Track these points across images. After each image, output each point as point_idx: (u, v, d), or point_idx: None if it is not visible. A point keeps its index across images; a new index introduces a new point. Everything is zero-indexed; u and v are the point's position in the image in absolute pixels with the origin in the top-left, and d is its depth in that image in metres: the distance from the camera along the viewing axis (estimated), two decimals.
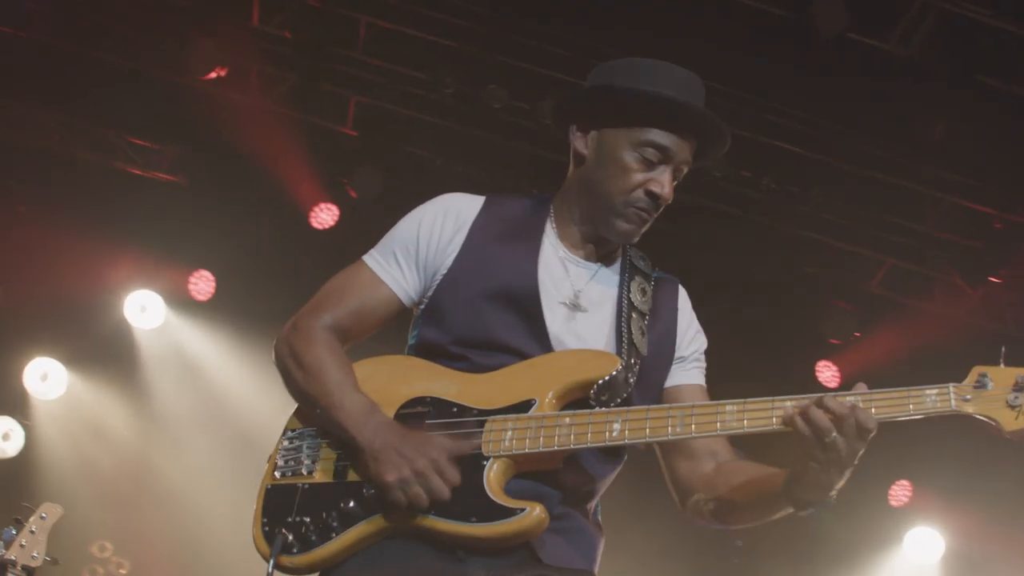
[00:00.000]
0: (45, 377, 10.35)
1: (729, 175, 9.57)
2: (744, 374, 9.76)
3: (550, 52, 9.08)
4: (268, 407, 9.93)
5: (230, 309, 10.39)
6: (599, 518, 3.57)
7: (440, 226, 3.57)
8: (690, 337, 3.68)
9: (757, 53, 8.65)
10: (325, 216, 10.27)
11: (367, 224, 10.05)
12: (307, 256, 10.00)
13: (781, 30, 8.35)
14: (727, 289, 10.26)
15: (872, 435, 3.02)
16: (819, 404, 3.04)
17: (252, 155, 9.79)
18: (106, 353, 10.49)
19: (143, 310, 10.47)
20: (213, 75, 9.26)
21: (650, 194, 3.46)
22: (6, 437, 10.18)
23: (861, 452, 3.05)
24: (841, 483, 3.12)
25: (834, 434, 3.01)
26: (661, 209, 3.53)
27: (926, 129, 9.01)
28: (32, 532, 5.78)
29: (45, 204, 10.20)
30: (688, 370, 3.65)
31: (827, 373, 11.00)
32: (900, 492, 11.45)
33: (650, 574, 10.69)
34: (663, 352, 3.58)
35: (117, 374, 10.49)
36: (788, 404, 3.10)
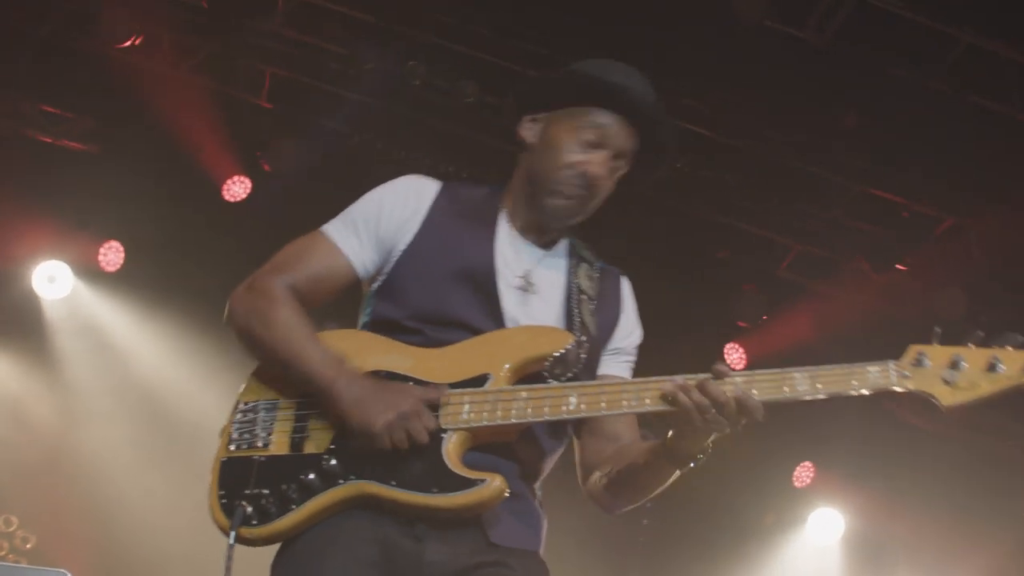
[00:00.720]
0: None
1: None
2: (653, 355, 9.86)
3: (468, 30, 9.08)
4: (177, 378, 9.87)
5: (140, 280, 10.26)
6: (540, 498, 3.64)
7: (402, 204, 3.63)
8: (629, 329, 3.80)
9: (674, 37, 8.71)
10: (237, 189, 10.17)
11: (279, 198, 10.05)
12: (219, 229, 9.94)
13: (700, 14, 8.41)
14: (638, 271, 10.24)
15: (758, 416, 3.24)
16: (703, 388, 3.23)
17: (165, 125, 9.68)
18: (14, 324, 10.31)
19: (51, 280, 10.29)
20: (127, 43, 9.13)
21: (582, 173, 3.54)
22: None
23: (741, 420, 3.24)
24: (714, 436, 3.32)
25: (712, 411, 3.20)
26: (597, 195, 3.62)
27: (838, 117, 9.14)
28: None
29: None
30: (621, 363, 3.74)
31: (735, 355, 11.15)
32: (803, 473, 11.66)
33: (555, 557, 10.76)
34: (606, 337, 3.68)
35: (25, 345, 10.33)
36: (671, 381, 3.27)
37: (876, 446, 11.15)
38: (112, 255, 10.37)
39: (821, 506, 11.76)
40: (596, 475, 3.60)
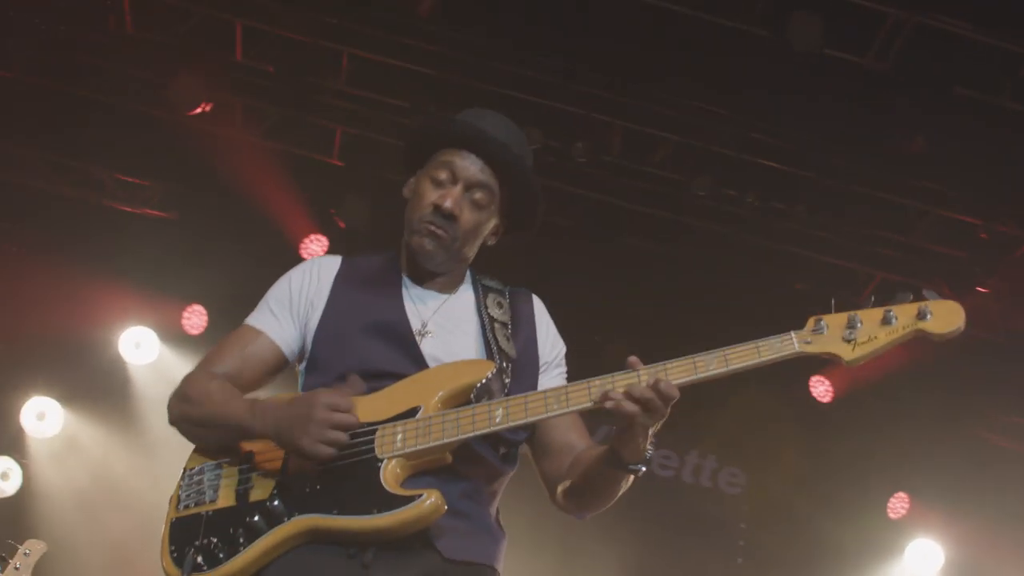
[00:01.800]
0: (42, 416, 10.41)
1: (714, 194, 9.62)
2: (738, 391, 9.83)
3: (532, 79, 9.14)
4: None
5: None
6: (499, 520, 3.73)
7: (308, 281, 3.82)
8: (550, 343, 3.91)
9: (737, 72, 8.73)
10: (315, 247, 10.33)
11: (356, 253, 10.12)
12: None
13: (759, 49, 8.41)
14: (717, 307, 10.31)
15: (673, 399, 3.29)
16: (627, 394, 3.30)
17: (241, 188, 9.86)
18: (101, 389, 10.55)
19: (137, 346, 10.54)
20: (199, 110, 9.34)
21: (436, 208, 3.68)
22: (4, 476, 10.23)
23: (665, 413, 3.33)
24: (648, 441, 3.43)
25: (638, 409, 3.29)
26: (455, 230, 3.72)
27: (906, 142, 9.05)
28: (16, 569, 5.84)
29: (36, 243, 10.31)
30: (552, 377, 3.84)
31: (820, 388, 11.06)
32: (898, 505, 11.47)
33: None
34: (530, 356, 3.80)
35: (113, 410, 10.53)
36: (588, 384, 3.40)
37: (972, 474, 10.96)
38: (195, 318, 10.56)
39: (918, 537, 11.55)
40: (559, 489, 3.70)
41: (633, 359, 3.36)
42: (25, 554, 5.91)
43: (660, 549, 10.90)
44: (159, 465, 10.44)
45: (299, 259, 10.13)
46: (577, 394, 3.36)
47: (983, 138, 8.76)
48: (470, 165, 3.70)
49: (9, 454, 10.34)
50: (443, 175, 3.69)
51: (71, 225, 10.29)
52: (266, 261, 10.04)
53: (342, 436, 3.33)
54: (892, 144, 9.13)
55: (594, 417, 3.61)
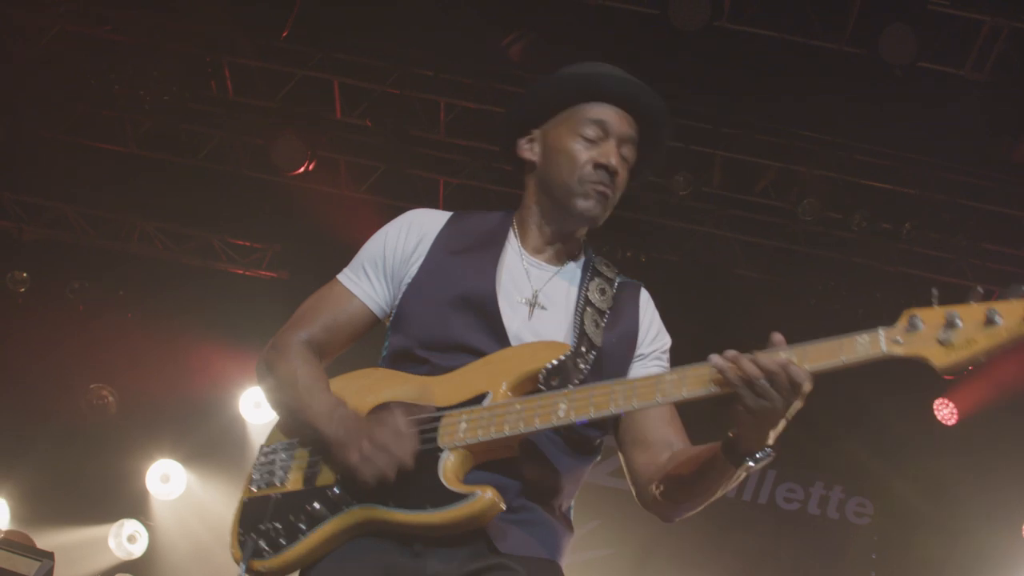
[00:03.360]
0: (166, 478, 10.63)
1: (820, 219, 9.53)
2: (862, 418, 9.70)
3: None
4: None
5: None
6: (570, 516, 3.60)
7: (404, 238, 3.70)
8: (652, 336, 3.71)
9: (834, 93, 8.68)
10: None
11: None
12: None
13: (854, 68, 8.36)
14: (829, 333, 10.18)
15: (806, 390, 2.99)
16: (751, 358, 3.01)
17: (349, 244, 9.91)
18: (223, 450, 10.73)
19: (257, 406, 10.69)
20: (302, 169, 9.51)
21: (599, 166, 3.53)
22: (132, 539, 10.46)
23: (794, 405, 3.01)
24: (775, 432, 3.10)
25: (763, 381, 2.98)
26: (618, 186, 3.58)
27: (1011, 150, 8.89)
28: None
29: (157, 310, 10.56)
30: (648, 367, 3.66)
31: (945, 411, 10.86)
32: None
33: None
34: (621, 348, 3.62)
35: (234, 470, 10.68)
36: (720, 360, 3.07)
37: None
38: None
39: None
40: (652, 486, 3.50)
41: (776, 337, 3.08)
42: None
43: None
44: None
45: None
46: (645, 389, 3.14)
47: None
48: (619, 118, 3.58)
49: (136, 517, 10.56)
50: (592, 132, 3.54)
51: (187, 291, 10.53)
52: None
53: (391, 466, 3.21)
54: (998, 155, 8.97)
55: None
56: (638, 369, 3.62)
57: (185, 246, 10.67)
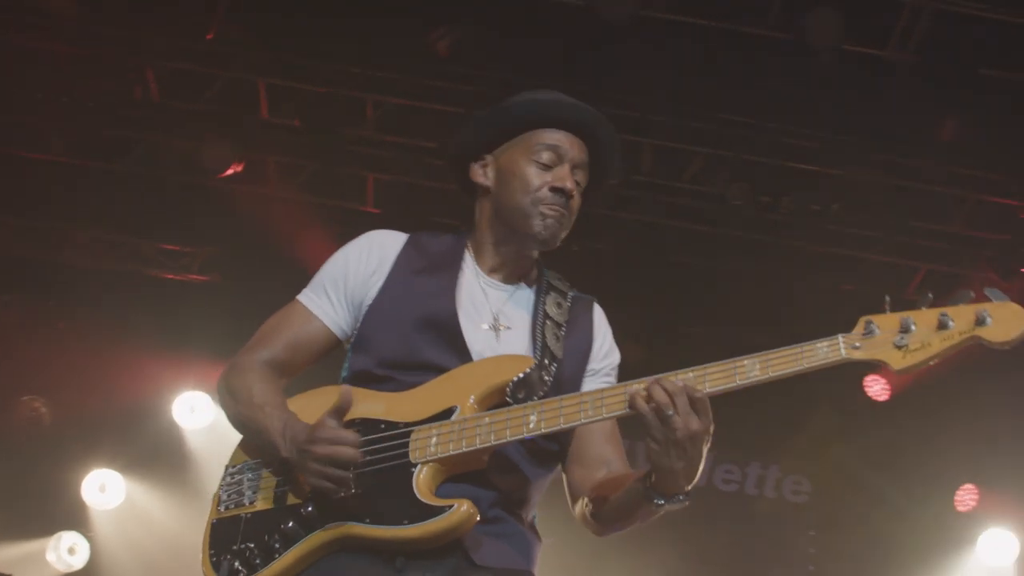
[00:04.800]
0: (104, 488, 10.52)
1: (750, 202, 9.60)
2: (792, 397, 9.78)
3: None
4: None
5: None
6: (535, 525, 3.68)
7: (365, 260, 3.78)
8: (604, 351, 3.83)
9: (760, 78, 8.74)
10: None
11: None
12: None
13: (778, 52, 8.42)
14: (767, 315, 10.29)
15: (706, 406, 3.14)
16: (657, 383, 3.18)
17: (280, 244, 9.93)
18: (160, 457, 10.64)
19: (192, 411, 10.61)
20: (230, 172, 9.42)
21: (554, 189, 3.64)
22: (72, 551, 10.34)
23: (700, 433, 3.14)
24: (689, 477, 3.21)
25: (670, 411, 3.12)
26: (574, 209, 3.70)
27: (937, 130, 9.02)
28: None
29: (85, 319, 10.43)
30: (599, 381, 3.76)
31: (876, 387, 10.99)
32: (966, 496, 11.34)
33: None
34: (577, 361, 3.72)
35: (172, 476, 10.61)
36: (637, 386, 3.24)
37: None
38: None
39: (990, 527, 11.41)
40: (583, 501, 3.61)
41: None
42: None
43: (731, 565, 10.85)
44: None
45: None
46: (613, 399, 3.26)
47: (1013, 117, 8.71)
48: (572, 144, 3.69)
49: (75, 528, 10.43)
50: (547, 156, 3.66)
51: (119, 298, 10.43)
52: None
53: (345, 475, 3.26)
54: (923, 134, 9.09)
55: (630, 432, 3.56)
56: (589, 383, 3.71)
57: (115, 253, 10.53)
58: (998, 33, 8.23)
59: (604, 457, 3.65)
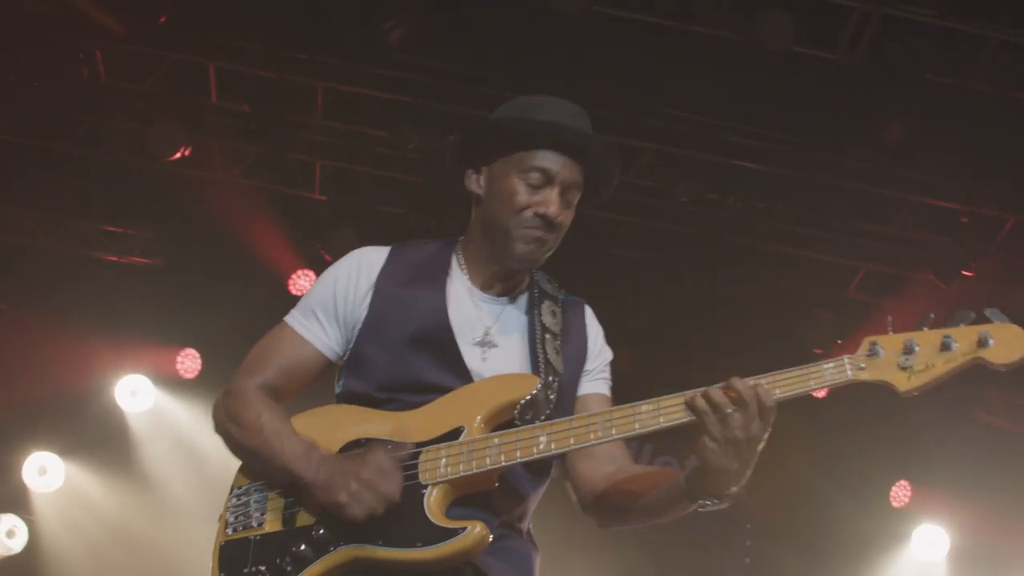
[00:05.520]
0: (43, 471, 10.44)
1: (696, 199, 9.68)
2: None
3: (504, 97, 9.15)
4: None
5: (219, 384, 10.38)
6: (532, 535, 3.69)
7: (355, 281, 3.70)
8: (597, 351, 3.83)
9: (710, 76, 8.81)
10: (303, 282, 10.35)
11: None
12: None
13: (730, 52, 8.49)
14: (707, 312, 10.38)
15: (772, 414, 3.15)
16: (721, 386, 3.17)
17: (225, 229, 9.88)
18: (100, 440, 10.56)
19: (133, 394, 10.56)
20: (177, 155, 9.35)
21: (538, 215, 3.58)
22: (11, 534, 10.25)
23: (759, 437, 3.17)
24: (739, 478, 3.22)
25: (730, 410, 3.13)
26: (557, 233, 3.65)
27: (883, 132, 9.12)
28: None
29: (27, 300, 10.33)
30: (593, 380, 3.78)
31: None
32: (900, 493, 11.52)
33: None
34: (575, 367, 3.73)
35: (113, 459, 10.54)
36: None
37: (974, 457, 11.01)
38: (189, 362, 10.58)
39: (923, 523, 11.60)
40: (593, 493, 3.63)
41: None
42: None
43: (665, 556, 10.91)
44: (163, 509, 10.48)
45: (288, 296, 10.21)
46: (623, 421, 3.27)
47: (958, 122, 8.84)
48: (564, 166, 3.60)
49: (14, 511, 10.34)
50: (536, 178, 3.58)
51: (60, 280, 10.33)
52: (255, 300, 10.06)
53: (379, 504, 3.25)
54: (869, 136, 9.20)
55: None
56: (585, 384, 3.73)
57: (57, 234, 10.44)
58: (945, 39, 8.35)
59: (611, 453, 3.66)
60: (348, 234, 10.08)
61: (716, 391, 3.15)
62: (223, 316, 10.05)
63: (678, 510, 3.41)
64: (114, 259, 10.47)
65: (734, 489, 3.26)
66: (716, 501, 3.29)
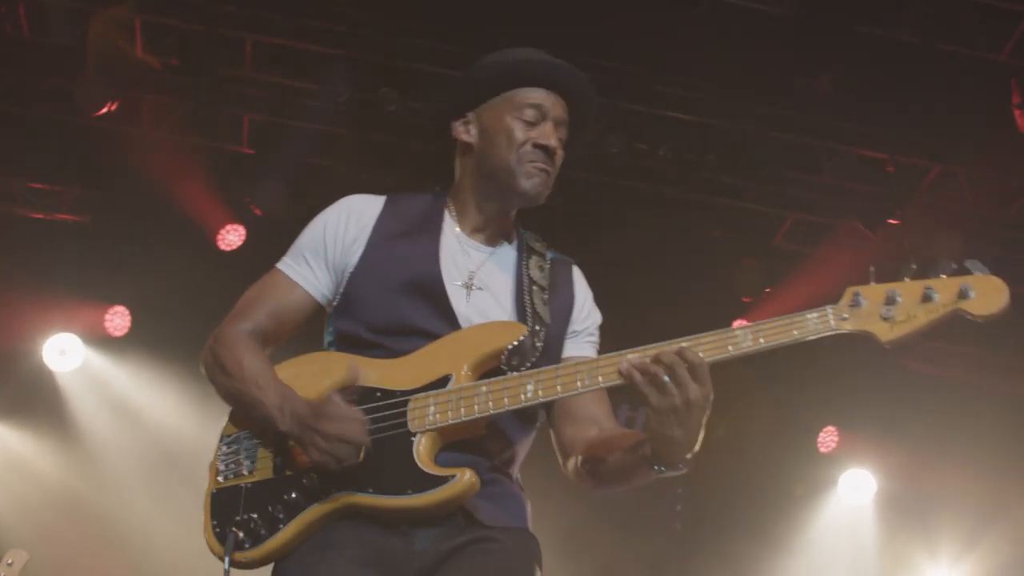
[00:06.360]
0: None
1: (627, 150, 9.71)
2: (659, 338, 9.94)
3: (437, 49, 9.15)
4: (195, 431, 9.92)
5: (149, 340, 10.35)
6: (520, 483, 3.76)
7: (344, 226, 3.76)
8: (585, 313, 3.90)
9: (639, 27, 8.81)
10: (232, 237, 10.27)
11: (275, 240, 10.02)
12: (218, 278, 9.98)
13: (661, 2, 8.51)
14: (640, 261, 10.44)
15: (704, 373, 3.18)
16: (654, 355, 3.21)
17: (153, 185, 9.77)
18: (29, 400, 10.43)
19: (62, 353, 10.43)
20: (104, 110, 9.22)
21: (538, 146, 3.69)
22: None
23: (699, 401, 3.19)
24: (689, 446, 3.26)
25: (666, 378, 3.17)
26: (558, 163, 3.75)
27: (813, 82, 9.20)
28: None
29: None
30: (580, 343, 3.84)
31: None
32: (828, 438, 11.72)
33: (590, 539, 10.86)
34: (561, 324, 3.79)
35: (43, 420, 10.43)
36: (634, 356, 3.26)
37: (898, 402, 11.19)
38: (118, 320, 10.47)
39: (850, 468, 11.82)
40: (578, 459, 3.67)
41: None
42: (8, 564, 5.88)
43: (595, 503, 10.98)
44: (95, 468, 10.40)
45: (217, 252, 10.14)
46: (608, 369, 3.30)
47: (884, 73, 8.95)
48: (555, 103, 3.74)
49: None
50: (531, 114, 3.70)
51: None
52: (183, 255, 10.01)
53: (351, 452, 3.31)
54: (798, 86, 9.27)
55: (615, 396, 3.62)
56: (571, 346, 3.80)
57: None
58: None
59: (594, 415, 3.71)
60: (277, 188, 10.02)
61: (649, 360, 3.19)
62: (152, 273, 9.96)
63: (643, 477, 3.46)
64: (40, 216, 10.30)
65: (687, 456, 3.31)
66: (671, 468, 3.35)
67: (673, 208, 10.48)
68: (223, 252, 10.25)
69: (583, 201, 10.47)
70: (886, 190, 10.08)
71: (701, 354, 3.19)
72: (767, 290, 10.92)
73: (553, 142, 3.69)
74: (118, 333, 10.48)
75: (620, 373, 3.24)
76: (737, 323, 10.56)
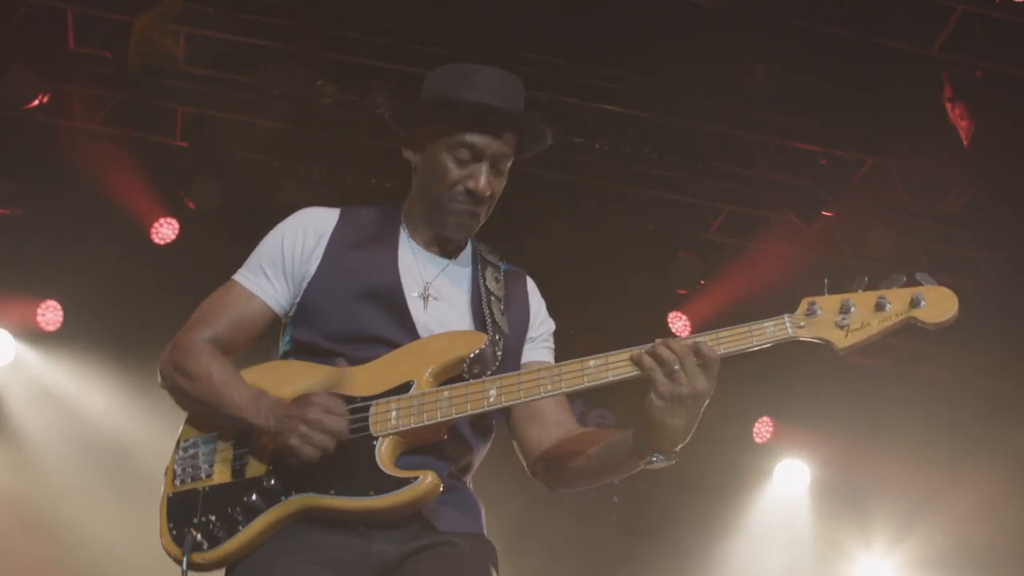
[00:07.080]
0: None
1: (563, 143, 9.73)
2: (600, 333, 9.97)
3: (373, 42, 9.12)
4: (130, 425, 9.84)
5: (81, 335, 10.24)
6: (472, 489, 3.79)
7: (302, 238, 3.77)
8: (540, 320, 3.94)
9: (573, 20, 8.83)
10: (166, 231, 10.19)
11: (209, 234, 10.06)
12: (152, 273, 9.93)
13: None
14: (576, 255, 10.47)
15: (715, 368, 3.29)
16: (665, 343, 3.32)
17: (85, 178, 9.68)
18: None
19: None
20: (35, 103, 9.12)
21: (467, 191, 3.66)
22: None
23: (705, 392, 3.31)
24: (684, 434, 3.38)
25: (677, 366, 3.27)
26: (488, 204, 3.74)
27: (746, 76, 9.27)
28: None
29: None
30: (538, 348, 3.88)
31: (679, 323, 11.27)
32: (763, 429, 11.82)
33: (531, 537, 10.86)
34: (519, 332, 3.83)
35: None
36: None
37: (831, 392, 11.29)
38: (50, 314, 10.34)
39: (785, 458, 11.93)
40: (542, 459, 3.73)
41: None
42: None
43: (531, 492, 10.98)
44: (28, 463, 10.28)
45: (151, 245, 10.06)
46: (571, 375, 3.39)
47: (818, 66, 9.03)
48: (492, 142, 3.66)
49: None
50: (465, 154, 3.65)
51: None
52: (116, 249, 9.90)
53: (329, 442, 3.33)
54: (733, 80, 9.33)
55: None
56: (529, 352, 3.84)
57: None
58: None
59: (558, 418, 3.75)
60: (211, 182, 9.97)
61: (662, 347, 3.29)
62: (84, 267, 9.85)
63: (627, 468, 3.54)
64: None
65: (680, 445, 3.41)
66: (663, 458, 3.42)
67: (608, 201, 10.52)
68: (157, 246, 10.17)
69: (519, 195, 10.46)
70: (820, 183, 10.18)
71: (721, 350, 3.31)
72: (702, 282, 10.99)
73: (482, 186, 3.64)
74: (50, 328, 10.35)
75: (631, 360, 3.32)
76: (672, 315, 10.63)
